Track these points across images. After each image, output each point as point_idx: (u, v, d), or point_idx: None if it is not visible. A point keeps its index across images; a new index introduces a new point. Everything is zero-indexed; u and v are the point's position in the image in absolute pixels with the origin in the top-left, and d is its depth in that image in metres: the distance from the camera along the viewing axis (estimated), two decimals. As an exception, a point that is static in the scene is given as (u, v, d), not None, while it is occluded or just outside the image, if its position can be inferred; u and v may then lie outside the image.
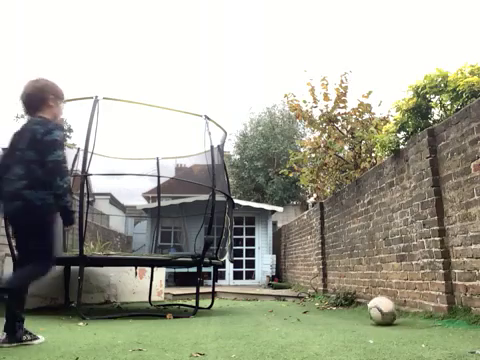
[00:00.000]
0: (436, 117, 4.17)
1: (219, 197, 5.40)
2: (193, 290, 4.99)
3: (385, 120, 6.23)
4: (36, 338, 2.43)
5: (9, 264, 4.56)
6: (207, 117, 5.06)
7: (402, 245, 4.20)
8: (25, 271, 2.40)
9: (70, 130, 13.63)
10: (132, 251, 12.34)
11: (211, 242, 4.92)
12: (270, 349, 2.18)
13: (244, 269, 11.51)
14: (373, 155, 6.25)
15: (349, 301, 5.36)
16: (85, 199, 4.85)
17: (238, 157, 17.01)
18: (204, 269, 5.52)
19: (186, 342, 2.47)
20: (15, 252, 4.34)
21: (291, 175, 7.70)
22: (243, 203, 10.86)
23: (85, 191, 4.77)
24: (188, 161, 7.22)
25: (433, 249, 3.51)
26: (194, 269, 4.90)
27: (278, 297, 7.65)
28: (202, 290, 5.00)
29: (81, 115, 4.40)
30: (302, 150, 7.89)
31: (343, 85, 6.39)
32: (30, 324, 2.48)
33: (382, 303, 3.47)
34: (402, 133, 4.40)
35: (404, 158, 4.21)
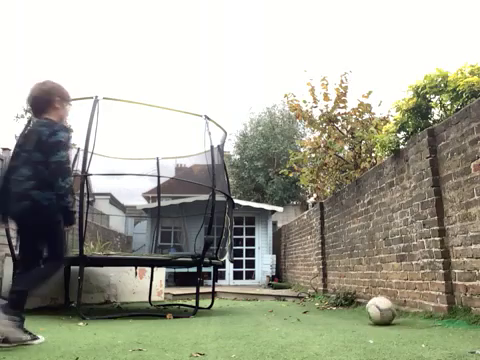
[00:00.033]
0: (436, 117, 4.17)
1: (219, 197, 5.40)
2: (193, 290, 4.99)
3: (385, 120, 6.23)
4: (36, 338, 2.43)
5: (9, 264, 4.56)
6: (207, 117, 5.06)
7: (402, 245, 4.20)
8: (39, 272, 2.46)
9: (70, 130, 13.61)
10: (132, 251, 12.33)
11: (211, 242, 4.93)
12: (270, 349, 2.18)
13: (244, 269, 11.51)
14: (373, 155, 6.25)
15: (349, 301, 5.36)
16: (85, 199, 4.86)
17: (238, 157, 17.01)
18: (204, 269, 5.52)
19: (186, 342, 2.47)
20: (16, 252, 4.36)
21: (291, 175, 7.70)
22: (243, 203, 10.86)
23: (85, 191, 4.77)
24: (188, 161, 7.22)
25: (433, 249, 3.51)
26: (194, 269, 4.90)
27: (278, 297, 7.65)
28: (202, 290, 5.00)
29: (81, 115, 4.41)
30: (302, 150, 7.89)
31: (343, 85, 6.39)
32: (30, 324, 2.48)
33: (380, 301, 3.51)
34: (402, 133, 4.40)
35: (404, 158, 4.21)
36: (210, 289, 5.95)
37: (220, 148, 5.62)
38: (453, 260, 3.31)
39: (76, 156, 5.50)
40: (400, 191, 4.30)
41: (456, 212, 3.29)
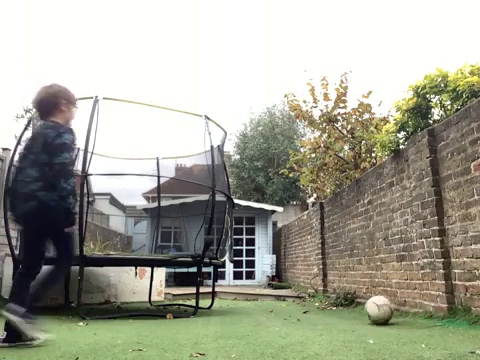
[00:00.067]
0: (436, 117, 4.17)
1: (219, 197, 5.40)
2: (193, 290, 4.99)
3: (385, 120, 6.23)
4: (36, 338, 2.43)
5: (9, 264, 4.56)
6: (207, 117, 5.07)
7: (402, 245, 4.20)
8: (51, 275, 2.53)
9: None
10: (132, 251, 12.33)
11: (211, 242, 4.93)
12: (270, 349, 2.18)
13: (244, 269, 11.51)
14: (373, 155, 6.25)
15: (349, 301, 5.36)
16: (85, 199, 4.86)
17: (238, 157, 17.01)
18: (204, 269, 5.52)
19: (186, 342, 2.47)
20: (15, 252, 4.36)
21: (291, 175, 7.70)
22: (243, 203, 10.86)
23: (85, 191, 4.77)
24: (188, 161, 7.23)
25: (433, 249, 3.51)
26: (194, 269, 4.90)
27: (278, 297, 7.65)
28: (202, 290, 5.00)
29: (81, 115, 4.41)
30: (302, 150, 7.89)
31: (343, 85, 6.39)
32: (30, 324, 2.48)
33: (378, 299, 3.57)
34: (402, 133, 4.40)
35: (404, 158, 4.21)
36: (210, 289, 5.95)
37: (220, 148, 5.62)
38: (453, 260, 3.31)
39: (76, 156, 5.50)
40: (400, 191, 4.30)
41: (456, 212, 3.29)
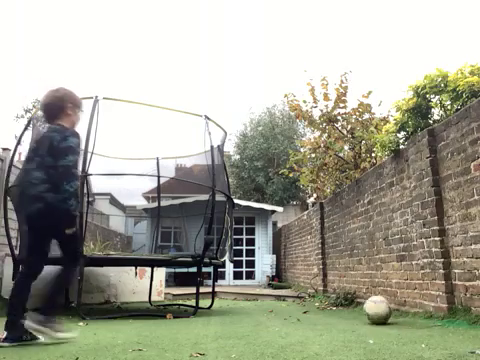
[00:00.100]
0: (436, 117, 4.17)
1: (219, 197, 5.40)
2: (193, 290, 4.99)
3: (385, 120, 6.23)
4: (36, 338, 2.44)
5: (9, 264, 4.56)
6: (207, 117, 5.07)
7: (402, 245, 4.20)
8: (63, 278, 2.62)
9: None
10: (132, 251, 12.33)
11: (211, 242, 4.93)
12: (270, 349, 2.18)
13: (244, 269, 11.52)
14: (373, 155, 6.25)
15: (349, 301, 5.36)
16: (85, 199, 4.86)
17: (238, 157, 17.01)
18: (204, 269, 5.52)
19: (186, 342, 2.47)
20: (15, 252, 4.36)
21: (291, 175, 7.70)
22: (243, 203, 10.86)
23: (85, 191, 4.77)
24: (188, 161, 7.23)
25: (433, 249, 3.51)
26: (194, 269, 4.90)
27: (278, 297, 7.65)
28: (202, 290, 5.00)
29: (81, 115, 4.41)
30: (302, 150, 7.89)
31: (343, 85, 6.40)
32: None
33: (375, 297, 3.63)
34: (402, 133, 4.40)
35: (404, 158, 4.21)
36: (210, 289, 5.95)
37: (220, 148, 5.62)
38: (453, 260, 3.31)
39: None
40: (400, 191, 4.30)
41: (456, 212, 3.29)
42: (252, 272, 11.51)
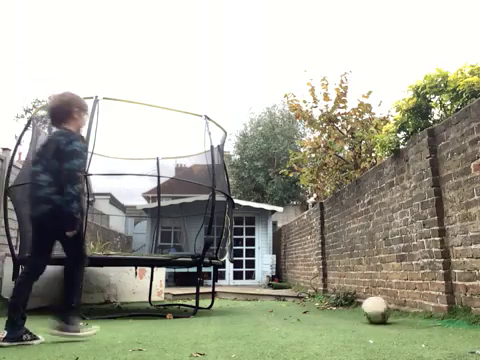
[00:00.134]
0: (436, 117, 4.17)
1: (219, 197, 5.40)
2: (193, 290, 4.99)
3: (385, 120, 6.23)
4: (36, 338, 2.44)
5: (9, 264, 4.56)
6: (207, 117, 5.07)
7: (402, 245, 4.20)
8: (71, 277, 2.66)
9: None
10: (132, 251, 12.33)
11: (211, 242, 4.93)
12: (270, 349, 2.18)
13: (244, 269, 11.51)
14: (373, 155, 6.25)
15: (349, 301, 5.36)
16: (85, 199, 4.86)
17: (238, 157, 17.01)
18: (204, 269, 5.52)
19: (186, 342, 2.47)
20: (16, 252, 4.36)
21: (291, 175, 7.70)
22: (243, 203, 10.86)
23: (85, 191, 4.77)
24: (188, 161, 7.23)
25: (433, 249, 3.51)
26: (194, 269, 4.90)
27: (278, 297, 7.65)
28: (202, 290, 5.00)
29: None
30: (302, 150, 7.89)
31: (343, 85, 6.40)
32: (30, 324, 2.49)
33: (373, 297, 3.69)
34: (402, 133, 4.40)
35: (404, 158, 4.21)
36: (210, 289, 5.95)
37: (220, 148, 5.62)
38: (453, 260, 3.31)
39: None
40: (400, 191, 4.30)
41: (456, 212, 3.29)
42: (252, 272, 11.51)
